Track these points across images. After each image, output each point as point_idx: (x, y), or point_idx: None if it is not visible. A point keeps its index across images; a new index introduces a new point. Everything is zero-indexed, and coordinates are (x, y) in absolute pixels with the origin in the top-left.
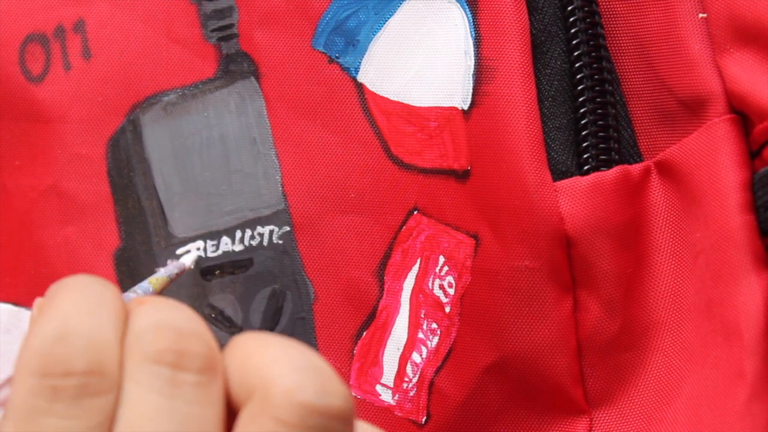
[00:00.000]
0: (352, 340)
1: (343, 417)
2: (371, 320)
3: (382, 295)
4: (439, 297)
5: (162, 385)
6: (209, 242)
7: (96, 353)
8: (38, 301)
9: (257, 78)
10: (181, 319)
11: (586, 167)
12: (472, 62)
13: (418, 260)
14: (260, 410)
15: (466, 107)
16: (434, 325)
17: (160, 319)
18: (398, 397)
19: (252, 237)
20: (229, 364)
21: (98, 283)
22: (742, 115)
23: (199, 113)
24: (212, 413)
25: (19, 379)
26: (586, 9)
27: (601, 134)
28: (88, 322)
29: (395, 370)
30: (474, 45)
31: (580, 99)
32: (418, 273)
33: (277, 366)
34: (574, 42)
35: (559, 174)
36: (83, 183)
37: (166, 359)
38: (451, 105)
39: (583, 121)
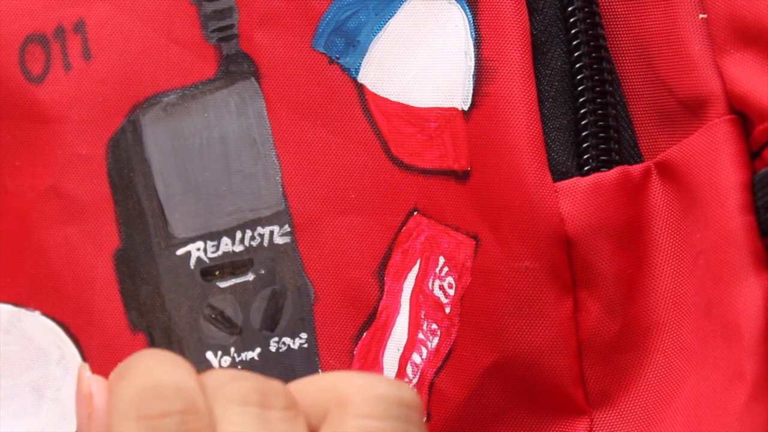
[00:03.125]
0: (352, 341)
1: (418, 407)
2: (371, 321)
3: (382, 296)
4: (439, 297)
5: (254, 422)
6: (209, 243)
7: (187, 396)
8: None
9: (257, 79)
10: (251, 374)
11: (586, 168)
12: (472, 63)
13: (418, 261)
14: (341, 415)
15: (466, 108)
16: (434, 326)
17: (233, 371)
18: None
19: (252, 237)
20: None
21: (164, 351)
22: (742, 115)
23: (200, 114)
24: None
25: (117, 428)
26: (586, 9)
27: (601, 135)
28: (172, 373)
29: (395, 370)
30: (474, 46)
31: (581, 99)
32: (418, 274)
33: (342, 378)
34: (574, 42)
35: (559, 174)
36: (83, 183)
37: (252, 399)
38: (451, 106)
39: (583, 122)
